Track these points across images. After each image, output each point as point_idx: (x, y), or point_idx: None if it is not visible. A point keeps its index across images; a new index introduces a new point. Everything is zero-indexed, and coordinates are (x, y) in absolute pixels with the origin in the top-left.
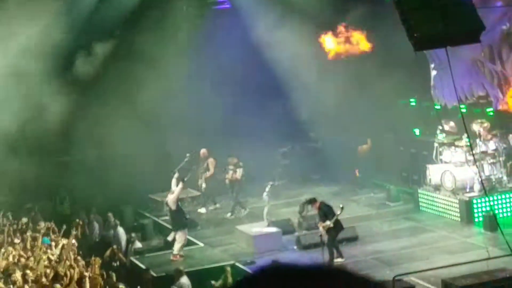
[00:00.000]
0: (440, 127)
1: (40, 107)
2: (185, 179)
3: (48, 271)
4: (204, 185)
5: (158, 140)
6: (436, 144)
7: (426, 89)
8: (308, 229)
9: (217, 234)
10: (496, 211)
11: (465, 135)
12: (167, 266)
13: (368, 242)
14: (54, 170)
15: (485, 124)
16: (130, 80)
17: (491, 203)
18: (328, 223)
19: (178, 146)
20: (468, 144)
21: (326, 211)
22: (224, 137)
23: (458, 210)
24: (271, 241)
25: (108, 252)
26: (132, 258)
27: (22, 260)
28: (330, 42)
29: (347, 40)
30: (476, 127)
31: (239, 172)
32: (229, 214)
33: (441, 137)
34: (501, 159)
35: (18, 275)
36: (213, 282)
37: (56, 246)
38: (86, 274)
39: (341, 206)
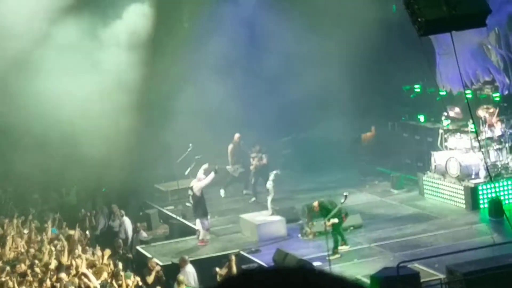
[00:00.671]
0: (445, 113)
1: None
2: (216, 168)
3: (54, 261)
4: (240, 170)
5: (160, 130)
6: (441, 131)
7: (432, 74)
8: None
9: (222, 223)
10: (502, 197)
11: (471, 121)
12: (172, 255)
13: (372, 230)
14: (60, 162)
15: (491, 110)
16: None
17: (497, 189)
18: (332, 220)
19: (178, 136)
20: (474, 130)
21: (327, 208)
22: (224, 126)
23: (463, 197)
24: (275, 229)
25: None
26: (138, 248)
27: (32, 250)
28: None
29: None
30: (482, 113)
31: (265, 158)
32: (253, 199)
33: (446, 123)
34: (507, 145)
35: (24, 266)
36: (217, 269)
37: (63, 236)
38: (94, 264)
39: (345, 194)
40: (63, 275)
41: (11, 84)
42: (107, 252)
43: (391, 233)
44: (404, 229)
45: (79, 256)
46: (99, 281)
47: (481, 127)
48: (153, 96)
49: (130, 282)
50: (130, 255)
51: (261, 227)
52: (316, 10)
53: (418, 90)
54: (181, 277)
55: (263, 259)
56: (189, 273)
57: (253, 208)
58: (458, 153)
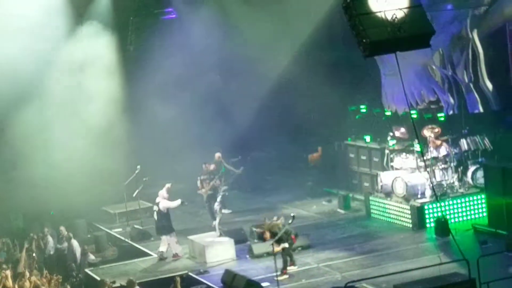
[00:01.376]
0: (391, 134)
1: None
2: (186, 203)
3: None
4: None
5: (106, 154)
6: (387, 151)
7: (377, 95)
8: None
9: None
10: (448, 217)
11: (416, 141)
12: (120, 277)
13: (320, 250)
14: (4, 187)
15: (436, 130)
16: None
17: (443, 209)
18: (283, 245)
19: (126, 159)
20: (420, 150)
21: (274, 232)
22: (173, 149)
23: (409, 216)
24: (223, 250)
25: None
26: (87, 270)
27: None
28: None
29: None
30: (427, 132)
31: (217, 180)
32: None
33: (392, 143)
34: (452, 164)
35: None
36: None
37: (11, 261)
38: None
39: (292, 215)
40: None
41: None
42: (58, 278)
43: (339, 253)
44: (351, 249)
45: (29, 280)
46: None
47: (426, 147)
48: (100, 118)
49: None
50: (78, 278)
51: (209, 248)
52: (263, 32)
53: (364, 110)
54: None
55: (211, 280)
56: None
57: (202, 229)
58: (404, 173)
